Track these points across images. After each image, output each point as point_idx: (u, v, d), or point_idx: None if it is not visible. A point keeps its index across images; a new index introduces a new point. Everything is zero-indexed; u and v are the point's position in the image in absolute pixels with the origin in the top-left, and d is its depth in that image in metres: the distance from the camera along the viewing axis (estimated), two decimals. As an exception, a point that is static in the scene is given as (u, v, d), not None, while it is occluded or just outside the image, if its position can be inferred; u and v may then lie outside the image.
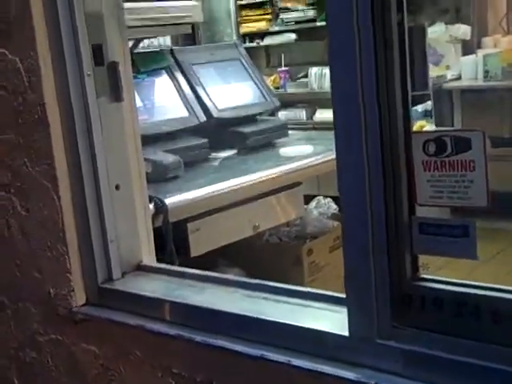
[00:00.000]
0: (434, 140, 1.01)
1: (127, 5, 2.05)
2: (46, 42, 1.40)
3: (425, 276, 1.09)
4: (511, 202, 4.35)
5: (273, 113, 3.93)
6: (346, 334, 1.13)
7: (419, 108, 4.58)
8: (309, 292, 1.30)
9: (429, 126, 4.29)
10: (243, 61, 2.76)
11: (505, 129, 4.58)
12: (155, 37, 3.02)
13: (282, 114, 4.97)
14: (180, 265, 1.79)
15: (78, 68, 1.42)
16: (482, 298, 1.02)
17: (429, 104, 4.60)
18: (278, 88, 5.43)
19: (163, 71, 2.52)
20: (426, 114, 4.59)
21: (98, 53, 1.45)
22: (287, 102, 5.06)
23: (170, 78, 2.52)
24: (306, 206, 2.60)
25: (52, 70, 1.42)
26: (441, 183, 1.02)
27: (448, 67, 4.78)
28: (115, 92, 1.49)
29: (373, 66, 1.01)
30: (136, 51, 2.64)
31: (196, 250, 1.94)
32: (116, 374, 1.49)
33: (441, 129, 0.93)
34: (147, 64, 2.47)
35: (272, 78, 5.53)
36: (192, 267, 1.57)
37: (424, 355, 1.05)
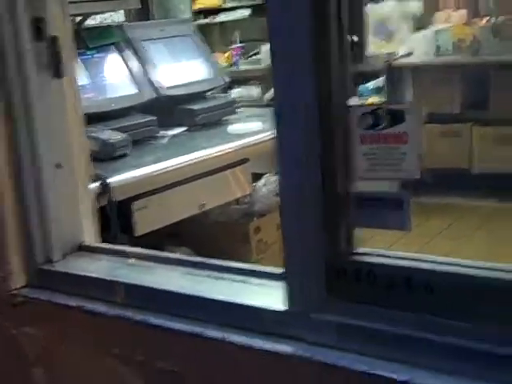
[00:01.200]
0: (370, 113, 1.00)
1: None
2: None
3: (359, 250, 1.10)
4: (461, 177, 4.45)
5: (225, 90, 3.90)
6: (283, 308, 1.13)
7: (371, 85, 4.61)
8: (248, 269, 1.29)
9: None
10: (193, 37, 2.73)
11: (455, 105, 4.63)
12: (103, 12, 2.96)
13: (236, 92, 4.94)
14: (127, 245, 1.77)
15: (17, 42, 1.38)
16: (413, 270, 1.03)
17: (381, 80, 4.63)
18: (231, 65, 5.39)
19: (113, 47, 2.48)
20: (378, 91, 4.62)
21: (37, 27, 1.40)
22: (240, 80, 5.03)
23: (120, 54, 2.48)
24: (254, 184, 2.60)
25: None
26: (376, 156, 1.02)
27: (400, 43, 4.80)
28: (56, 68, 1.45)
29: (308, 37, 1.00)
30: (85, 27, 2.58)
31: (141, 229, 1.92)
32: (57, 357, 1.47)
33: (377, 102, 0.93)
34: (96, 40, 2.42)
35: (226, 55, 5.48)
36: (140, 247, 1.55)
37: (357, 327, 1.06)
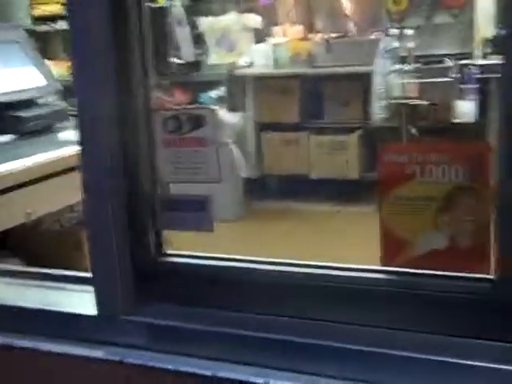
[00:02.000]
0: (172, 118, 1.04)
1: None
2: None
3: (168, 252, 1.13)
4: (301, 183, 4.65)
5: (66, 98, 3.78)
6: (94, 313, 1.13)
7: (213, 94, 4.71)
8: (61, 274, 1.28)
9: (222, 112, 4.42)
10: (23, 44, 2.65)
11: (294, 114, 4.83)
12: None
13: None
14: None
15: None
16: (218, 269, 1.09)
17: (223, 90, 4.74)
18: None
19: None
20: (220, 100, 4.71)
21: None
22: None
23: None
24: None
25: None
26: (179, 159, 1.06)
27: (241, 54, 4.94)
28: None
29: (110, 41, 1.02)
30: None
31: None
32: None
33: (179, 107, 0.97)
34: None
35: (68, 63, 5.34)
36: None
37: (167, 327, 1.09)
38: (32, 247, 2.34)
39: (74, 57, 1.06)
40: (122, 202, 1.08)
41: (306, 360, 0.98)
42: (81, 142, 1.09)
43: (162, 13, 4.49)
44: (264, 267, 1.10)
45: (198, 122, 1.04)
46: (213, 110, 1.05)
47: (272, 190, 4.81)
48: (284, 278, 1.07)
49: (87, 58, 1.05)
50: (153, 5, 4.39)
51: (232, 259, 1.13)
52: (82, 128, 1.08)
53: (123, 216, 1.08)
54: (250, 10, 5.14)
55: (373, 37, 4.52)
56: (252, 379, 0.98)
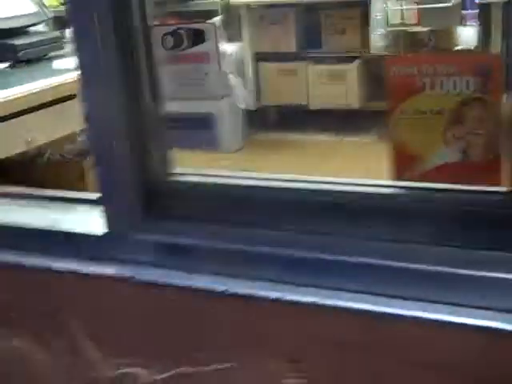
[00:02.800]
0: (172, 33, 1.02)
1: None
2: None
3: (176, 170, 1.13)
4: (299, 114, 4.62)
5: (60, 29, 3.70)
6: (103, 232, 1.14)
7: (209, 23, 4.62)
8: (67, 196, 1.29)
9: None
10: (12, -31, 2.57)
11: (291, 43, 4.75)
12: None
13: (70, 31, 4.73)
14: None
15: None
16: (227, 186, 1.09)
17: (218, 19, 4.64)
18: (64, 4, 5.14)
19: None
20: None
21: None
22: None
23: None
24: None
25: None
26: (181, 76, 1.04)
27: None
28: None
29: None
30: None
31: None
32: None
33: (178, 22, 0.95)
34: None
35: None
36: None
37: (176, 245, 1.10)
38: (34, 177, 2.33)
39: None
40: (126, 121, 1.06)
41: (318, 274, 0.99)
42: (80, 66, 1.07)
43: None
44: (271, 184, 1.10)
45: (198, 36, 1.02)
46: (213, 24, 1.03)
47: (270, 121, 4.78)
48: (293, 194, 1.06)
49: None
50: None
51: (237, 176, 1.12)
52: (79, 50, 1.06)
53: (128, 136, 1.07)
54: None
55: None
56: (263, 293, 0.98)
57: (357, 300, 0.93)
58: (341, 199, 1.04)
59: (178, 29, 1.01)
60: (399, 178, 1.00)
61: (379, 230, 0.99)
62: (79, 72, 1.06)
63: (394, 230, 0.97)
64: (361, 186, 1.03)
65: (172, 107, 1.09)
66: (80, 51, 1.05)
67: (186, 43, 1.00)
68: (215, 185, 1.11)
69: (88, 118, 1.07)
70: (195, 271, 1.06)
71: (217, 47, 0.99)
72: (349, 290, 0.94)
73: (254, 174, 1.12)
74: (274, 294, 0.99)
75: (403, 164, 0.98)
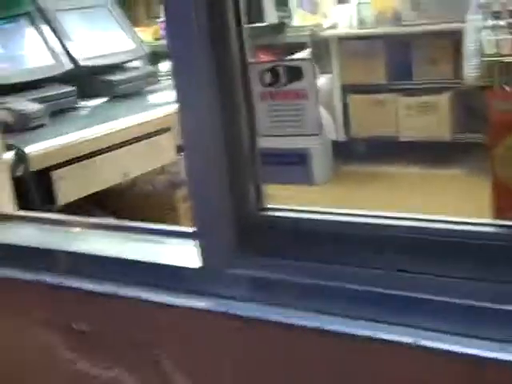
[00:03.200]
0: (269, 70, 1.03)
1: None
2: None
3: (269, 205, 1.13)
4: (389, 146, 4.56)
5: (153, 63, 3.84)
6: (197, 266, 1.15)
7: (297, 56, 4.66)
8: (163, 229, 1.31)
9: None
10: (110, 8, 2.69)
11: (380, 75, 4.72)
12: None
13: (165, 65, 4.89)
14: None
15: None
16: (319, 222, 1.08)
17: (307, 52, 4.68)
18: (159, 39, 5.32)
19: (24, 18, 2.41)
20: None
21: None
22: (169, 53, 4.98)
23: (33, 24, 2.41)
24: (182, 154, 2.60)
25: None
26: (278, 113, 1.05)
27: (325, 16, 4.85)
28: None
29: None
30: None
31: (63, 199, 1.90)
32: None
33: (275, 60, 0.95)
34: (4, 10, 2.35)
35: (153, 28, 5.41)
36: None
37: (269, 280, 1.10)
38: (126, 208, 2.40)
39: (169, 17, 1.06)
40: (222, 156, 1.08)
41: (412, 314, 0.97)
42: (178, 100, 1.09)
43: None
44: (364, 220, 1.08)
45: (295, 73, 1.02)
46: (310, 62, 1.03)
47: (359, 152, 4.76)
48: (387, 230, 1.04)
49: (182, 12, 1.04)
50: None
51: (331, 213, 1.11)
52: (179, 87, 1.09)
53: (224, 170, 1.09)
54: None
55: (464, -9, 4.33)
56: (359, 332, 0.97)
57: (462, 344, 0.89)
58: (437, 237, 1.01)
59: (276, 66, 1.02)
60: (500, 216, 0.96)
61: (477, 269, 0.95)
62: (178, 107, 1.08)
63: (496, 270, 0.93)
64: (457, 225, 1.00)
65: (266, 143, 1.10)
66: (179, 88, 1.07)
67: (283, 80, 1.01)
68: (309, 220, 1.11)
69: (186, 152, 1.10)
70: (290, 307, 1.06)
71: (314, 84, 0.99)
72: (449, 332, 0.91)
73: (349, 210, 1.11)
74: (371, 333, 0.96)
75: (505, 202, 0.95)
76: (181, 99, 1.08)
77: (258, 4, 4.68)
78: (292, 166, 1.07)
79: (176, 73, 1.07)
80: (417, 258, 1.02)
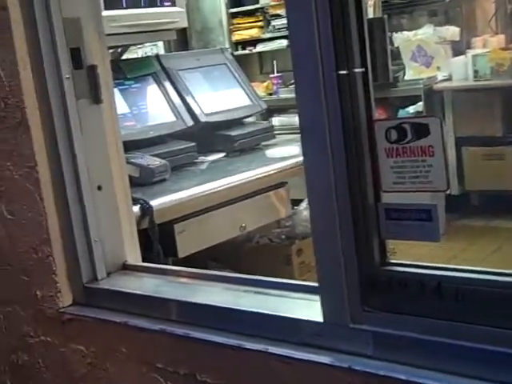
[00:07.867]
0: (395, 127, 1.04)
1: (108, 12, 2.11)
2: (25, 47, 1.44)
3: (392, 260, 1.12)
4: (505, 200, 4.40)
5: (266, 117, 3.95)
6: (320, 320, 1.16)
7: (411, 109, 4.63)
8: (286, 283, 1.33)
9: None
10: (229, 65, 2.81)
11: (496, 128, 4.61)
12: (141, 43, 3.05)
13: (277, 120, 5.02)
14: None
15: (57, 71, 1.46)
16: (444, 278, 1.05)
17: (421, 105, 4.64)
18: (271, 94, 5.46)
19: (150, 77, 2.56)
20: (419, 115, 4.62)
21: (76, 56, 1.48)
22: (281, 108, 5.10)
23: (157, 83, 2.56)
24: (296, 208, 2.64)
25: (31, 74, 1.46)
26: (403, 169, 1.05)
27: (439, 68, 4.81)
28: (94, 94, 1.52)
29: (333, 58, 1.05)
30: (124, 59, 2.69)
31: (183, 251, 1.97)
32: (103, 372, 1.52)
33: (401, 117, 0.96)
34: (134, 70, 2.51)
35: (265, 84, 5.57)
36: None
37: (393, 336, 1.08)
38: (242, 260, 2.45)
39: (297, 75, 1.09)
40: (347, 212, 1.09)
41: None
42: (304, 153, 1.12)
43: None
44: (491, 277, 1.05)
45: (422, 130, 1.02)
46: (438, 119, 1.03)
47: (474, 206, 4.62)
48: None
49: (310, 75, 1.07)
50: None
51: (455, 269, 1.09)
52: (305, 141, 1.11)
53: (348, 226, 1.09)
54: (446, 22, 5.01)
55: None
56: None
57: None
58: None
59: (402, 123, 1.02)
60: None
61: None
62: (304, 162, 1.11)
63: None
64: None
65: (390, 198, 1.10)
66: (306, 148, 1.10)
67: (409, 136, 1.02)
68: (433, 276, 1.09)
69: (311, 207, 1.12)
70: (414, 365, 1.04)
71: (442, 141, 0.99)
72: None
73: (472, 268, 1.08)
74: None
75: None
76: (307, 162, 1.11)
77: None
78: (418, 222, 1.06)
79: (304, 130, 1.10)
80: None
